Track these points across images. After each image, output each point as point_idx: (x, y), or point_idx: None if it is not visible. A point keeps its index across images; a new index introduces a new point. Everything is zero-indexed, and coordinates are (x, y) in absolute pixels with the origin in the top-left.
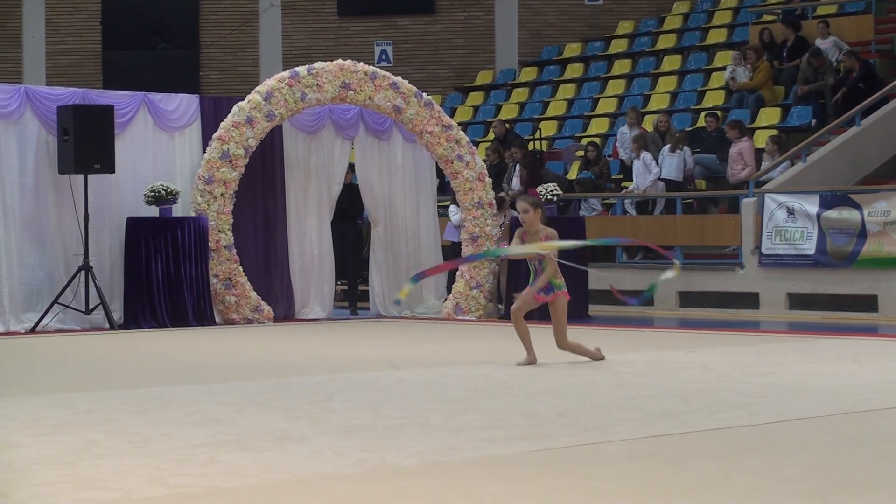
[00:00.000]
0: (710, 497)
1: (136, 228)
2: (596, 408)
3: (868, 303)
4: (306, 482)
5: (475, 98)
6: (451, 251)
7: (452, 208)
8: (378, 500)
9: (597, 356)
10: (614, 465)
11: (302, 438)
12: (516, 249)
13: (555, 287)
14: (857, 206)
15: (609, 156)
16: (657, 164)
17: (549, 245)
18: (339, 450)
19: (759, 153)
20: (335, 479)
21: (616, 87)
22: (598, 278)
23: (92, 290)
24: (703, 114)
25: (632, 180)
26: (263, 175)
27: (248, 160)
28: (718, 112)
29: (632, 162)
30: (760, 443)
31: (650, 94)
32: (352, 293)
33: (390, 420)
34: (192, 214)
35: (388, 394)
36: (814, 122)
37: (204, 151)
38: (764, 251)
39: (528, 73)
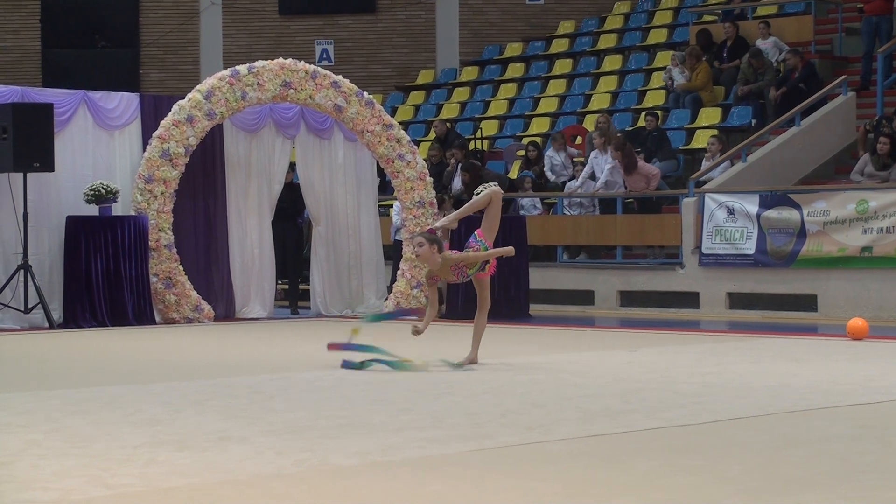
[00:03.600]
0: (650, 496)
1: (75, 227)
2: (537, 407)
3: (807, 302)
4: (247, 482)
5: (416, 97)
6: (394, 249)
7: (397, 206)
8: (319, 500)
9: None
10: (555, 465)
11: (243, 438)
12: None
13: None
14: (796, 206)
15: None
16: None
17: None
18: (280, 450)
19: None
20: (276, 478)
21: (557, 86)
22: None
23: (31, 289)
24: (643, 114)
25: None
26: (204, 174)
27: (188, 159)
28: (658, 112)
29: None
30: (701, 442)
31: (591, 94)
32: (292, 292)
33: (331, 420)
34: (133, 213)
35: (329, 394)
36: (754, 122)
37: (144, 150)
38: (704, 251)
39: (469, 73)
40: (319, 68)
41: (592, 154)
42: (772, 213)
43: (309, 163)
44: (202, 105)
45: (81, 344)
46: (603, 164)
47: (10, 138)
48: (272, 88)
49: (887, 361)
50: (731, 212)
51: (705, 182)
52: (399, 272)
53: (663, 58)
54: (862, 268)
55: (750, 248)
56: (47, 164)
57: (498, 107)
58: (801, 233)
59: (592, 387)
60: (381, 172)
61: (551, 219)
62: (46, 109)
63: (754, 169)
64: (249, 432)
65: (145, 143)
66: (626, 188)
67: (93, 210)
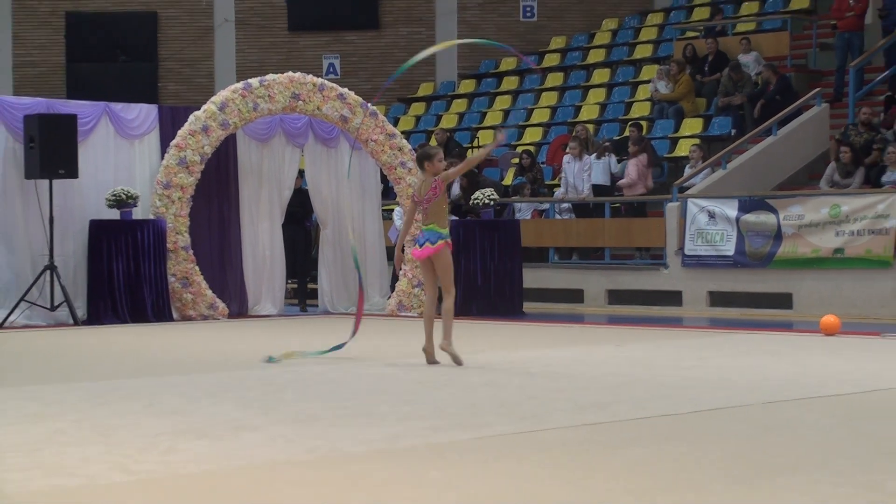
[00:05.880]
0: (638, 481)
1: (98, 230)
2: (531, 398)
3: (783, 300)
4: (261, 468)
5: (417, 108)
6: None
7: (398, 211)
8: (329, 485)
9: (454, 356)
10: (549, 452)
11: (256, 427)
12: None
13: (442, 236)
14: (773, 211)
15: (542, 163)
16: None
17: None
18: (292, 437)
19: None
20: (288, 465)
21: (549, 98)
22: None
23: (57, 288)
24: (628, 124)
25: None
26: (218, 180)
27: (203, 166)
28: (642, 122)
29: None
30: (684, 431)
31: (581, 106)
32: (302, 291)
33: (339, 410)
34: (151, 217)
35: (337, 385)
36: (733, 131)
37: (162, 158)
38: (687, 252)
39: (467, 86)
40: (326, 81)
41: (566, 160)
42: (750, 217)
43: (317, 170)
44: (217, 116)
45: (104, 340)
46: (573, 169)
47: (37, 147)
48: (282, 100)
49: (858, 355)
50: (711, 216)
51: (688, 188)
52: (401, 272)
53: (649, 71)
54: (834, 268)
55: (729, 249)
56: (72, 172)
57: (494, 117)
58: (778, 235)
59: (583, 379)
60: (384, 179)
61: (544, 222)
62: (71, 120)
63: (734, 176)
64: (263, 421)
65: (163, 151)
66: (617, 191)
67: (114, 214)
